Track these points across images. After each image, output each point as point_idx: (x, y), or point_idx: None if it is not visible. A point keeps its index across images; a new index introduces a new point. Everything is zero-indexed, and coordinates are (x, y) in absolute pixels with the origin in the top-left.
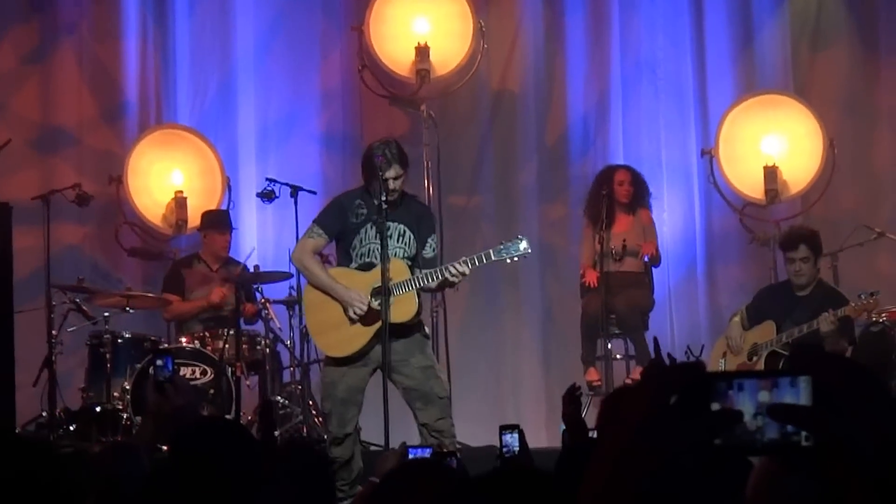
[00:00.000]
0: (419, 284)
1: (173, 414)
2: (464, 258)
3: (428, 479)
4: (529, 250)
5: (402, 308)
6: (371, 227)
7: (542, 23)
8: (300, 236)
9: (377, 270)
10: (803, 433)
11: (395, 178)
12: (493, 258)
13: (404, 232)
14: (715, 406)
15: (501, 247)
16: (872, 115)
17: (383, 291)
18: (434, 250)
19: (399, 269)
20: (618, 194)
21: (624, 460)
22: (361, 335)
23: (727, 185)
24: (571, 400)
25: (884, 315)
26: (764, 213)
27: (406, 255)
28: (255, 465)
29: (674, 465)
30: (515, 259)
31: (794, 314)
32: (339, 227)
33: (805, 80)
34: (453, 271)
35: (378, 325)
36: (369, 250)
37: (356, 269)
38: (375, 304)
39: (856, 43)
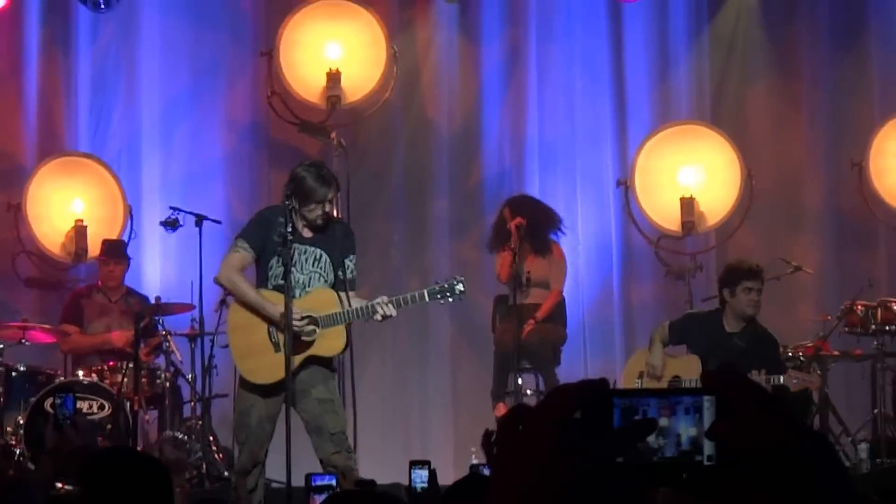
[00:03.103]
0: (348, 319)
1: (72, 453)
2: (394, 298)
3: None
4: (465, 293)
5: (331, 342)
6: (290, 249)
7: (458, 51)
8: (220, 259)
9: (306, 298)
10: (705, 453)
11: (330, 202)
12: (426, 300)
13: (321, 256)
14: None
15: (437, 287)
16: (792, 147)
17: (287, 327)
18: (353, 272)
19: (327, 301)
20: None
21: (525, 481)
22: (284, 364)
23: (643, 216)
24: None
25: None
26: (679, 245)
27: (322, 278)
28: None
29: (578, 484)
30: (450, 301)
31: (722, 352)
32: (262, 243)
33: (724, 111)
34: (381, 312)
35: (303, 356)
36: (284, 273)
37: (275, 290)
38: (303, 333)
39: (777, 74)
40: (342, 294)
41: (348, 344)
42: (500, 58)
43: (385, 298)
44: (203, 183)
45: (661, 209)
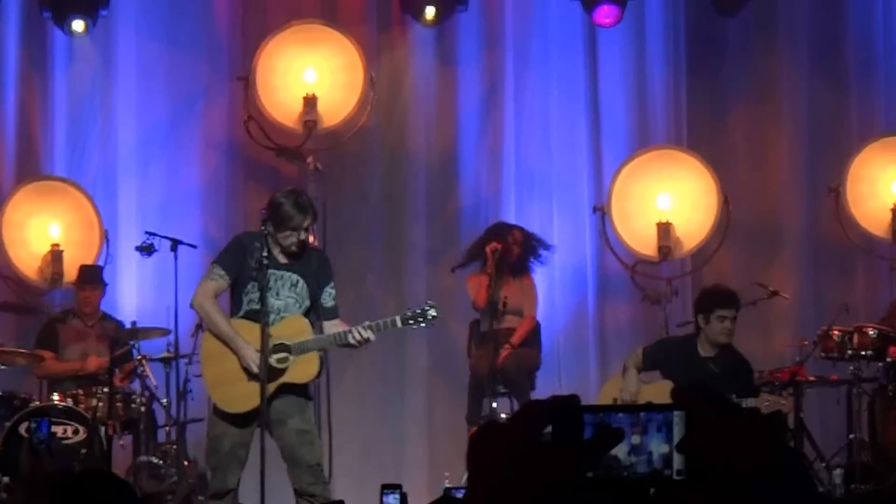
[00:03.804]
0: (321, 346)
1: (47, 478)
2: (368, 323)
3: None
4: (437, 318)
5: (304, 368)
6: (266, 274)
7: (435, 75)
8: (197, 284)
9: (279, 326)
10: (675, 467)
11: (305, 230)
12: (399, 325)
13: (297, 282)
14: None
15: (409, 313)
16: (769, 172)
17: (262, 350)
18: (334, 299)
19: (300, 328)
20: (509, 253)
21: (497, 495)
22: (258, 392)
23: (619, 242)
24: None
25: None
26: (655, 270)
27: (298, 304)
28: None
29: (548, 499)
30: (422, 326)
31: (697, 376)
32: (238, 269)
33: (701, 135)
34: (357, 337)
35: (276, 383)
36: (259, 298)
37: (246, 317)
38: (275, 360)
39: (755, 99)
40: (315, 321)
41: (321, 370)
42: (477, 82)
43: (365, 324)
44: (179, 207)
45: (638, 234)
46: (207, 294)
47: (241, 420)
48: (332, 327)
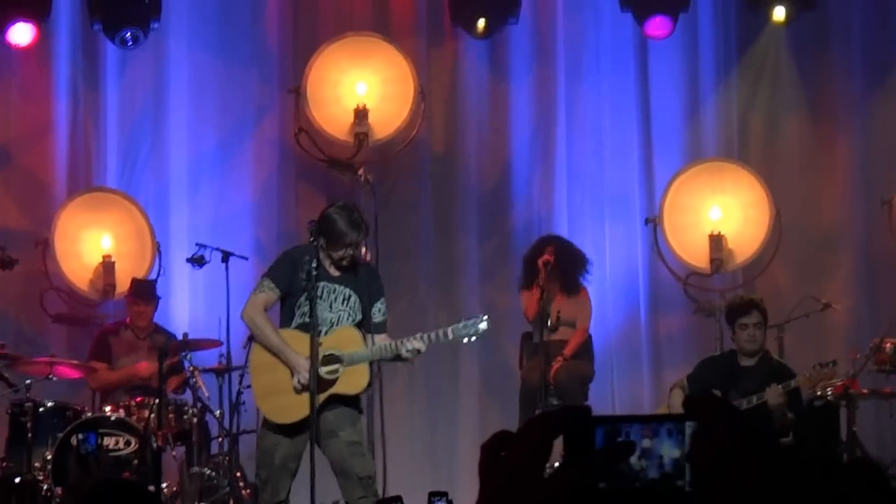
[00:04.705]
0: (372, 357)
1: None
2: (420, 334)
3: None
4: (488, 331)
5: (354, 379)
6: (316, 285)
7: (487, 87)
8: (248, 295)
9: (330, 336)
10: (687, 479)
11: (357, 245)
12: (450, 337)
13: (349, 296)
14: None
15: (461, 325)
16: (822, 184)
17: (312, 361)
18: (384, 314)
19: (351, 339)
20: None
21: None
22: (307, 404)
23: (671, 254)
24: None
25: (829, 389)
26: (707, 282)
27: (350, 318)
28: None
29: None
30: (473, 339)
31: (740, 385)
32: (289, 283)
33: (753, 147)
34: (409, 347)
35: (325, 394)
36: (310, 309)
37: (297, 329)
38: (324, 372)
39: (807, 110)
40: (367, 334)
41: (371, 383)
42: (528, 94)
43: (416, 336)
44: (232, 219)
45: (690, 246)
46: (257, 307)
47: (292, 431)
48: (381, 342)
